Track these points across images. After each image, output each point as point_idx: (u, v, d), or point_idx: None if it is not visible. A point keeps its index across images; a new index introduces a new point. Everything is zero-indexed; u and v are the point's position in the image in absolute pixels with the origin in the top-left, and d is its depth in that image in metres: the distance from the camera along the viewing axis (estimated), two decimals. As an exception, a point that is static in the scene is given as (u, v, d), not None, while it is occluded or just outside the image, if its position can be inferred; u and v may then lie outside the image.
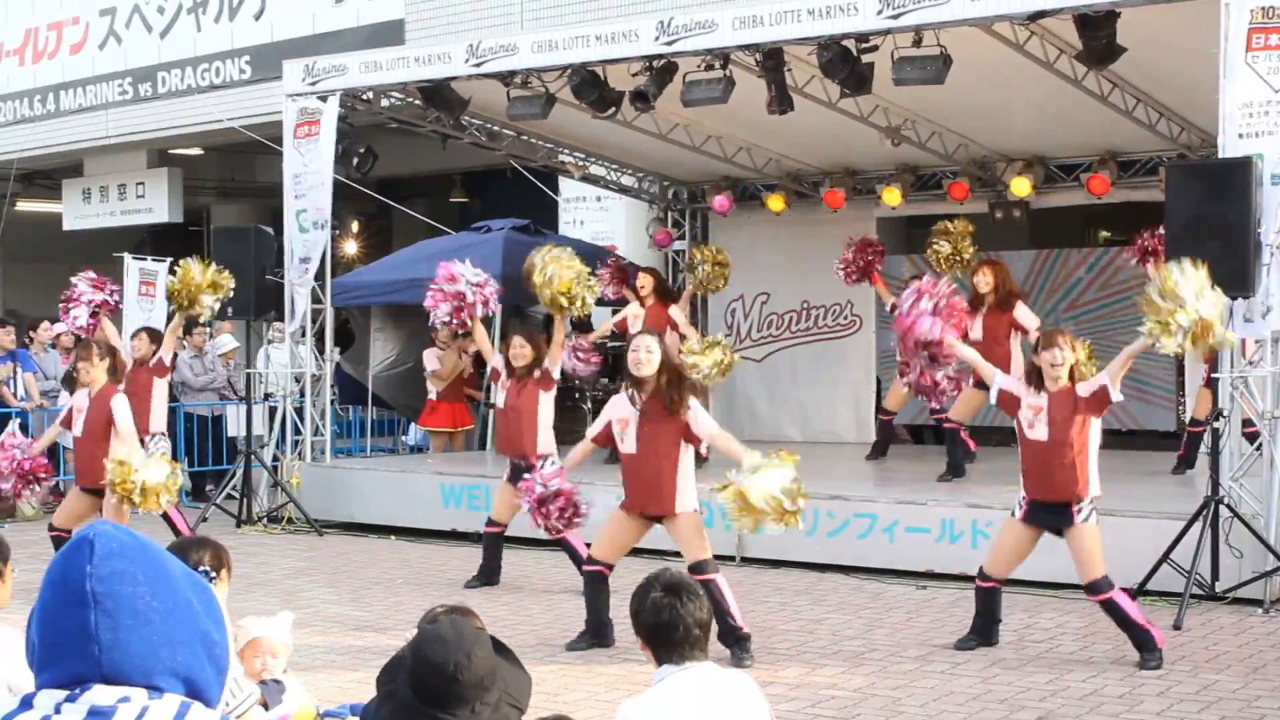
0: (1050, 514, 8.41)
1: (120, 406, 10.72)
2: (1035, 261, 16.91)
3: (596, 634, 8.90)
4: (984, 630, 8.82)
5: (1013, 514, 8.62)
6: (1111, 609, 8.36)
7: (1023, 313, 12.69)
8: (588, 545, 9.45)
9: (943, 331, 8.43)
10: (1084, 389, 8.29)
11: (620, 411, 8.71)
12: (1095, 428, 8.39)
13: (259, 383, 15.39)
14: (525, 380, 10.66)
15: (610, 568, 8.92)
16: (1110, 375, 8.24)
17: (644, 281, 14.74)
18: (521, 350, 10.71)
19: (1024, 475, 8.54)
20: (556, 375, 10.76)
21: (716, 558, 8.76)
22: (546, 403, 10.69)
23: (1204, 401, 12.42)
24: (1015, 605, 9.81)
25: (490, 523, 11.18)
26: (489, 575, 11.14)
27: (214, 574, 5.08)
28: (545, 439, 10.68)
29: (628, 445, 8.68)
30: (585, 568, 9.10)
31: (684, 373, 8.82)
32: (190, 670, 2.00)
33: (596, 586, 8.89)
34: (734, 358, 13.50)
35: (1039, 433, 8.36)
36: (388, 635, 9.09)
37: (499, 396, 11.01)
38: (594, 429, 9.13)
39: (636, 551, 10.91)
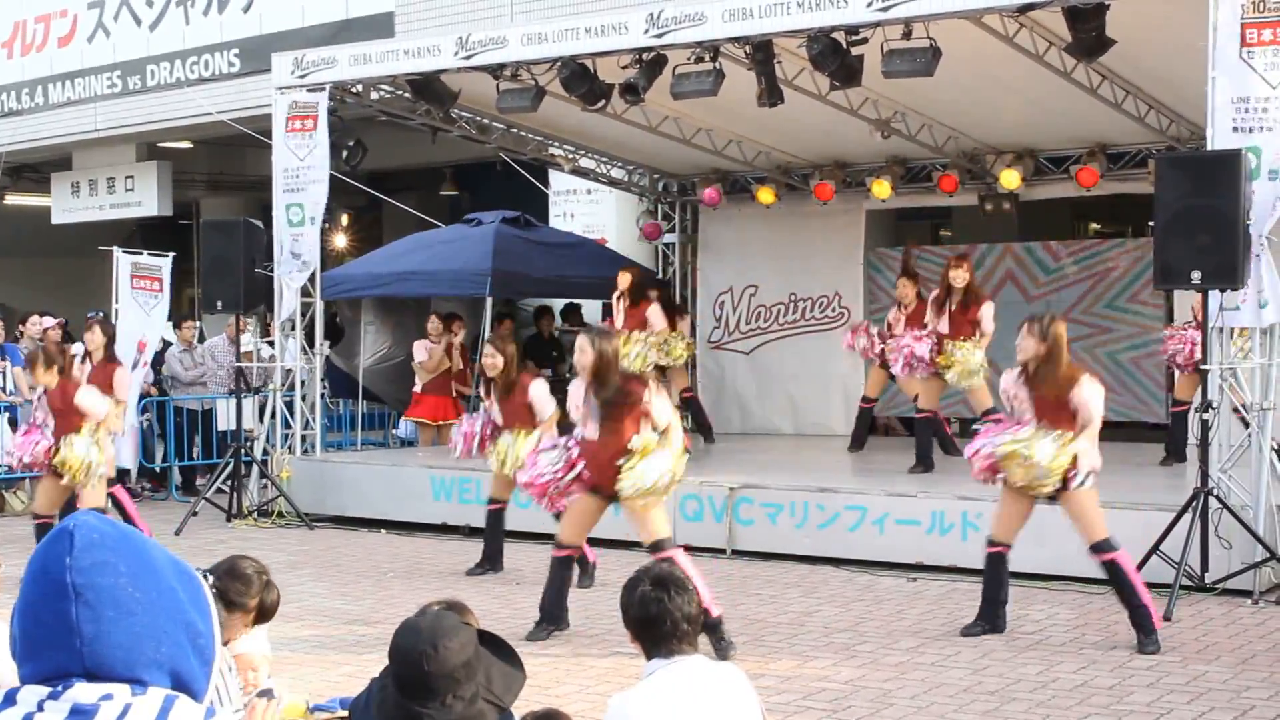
0: None
1: (86, 398, 11.24)
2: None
3: (552, 617, 9.01)
4: (990, 615, 8.88)
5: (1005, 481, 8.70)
6: (1113, 572, 8.51)
7: (987, 314, 12.83)
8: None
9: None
10: (1077, 399, 8.44)
11: (578, 398, 8.82)
12: (1086, 413, 8.48)
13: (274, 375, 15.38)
14: (510, 399, 10.70)
15: (579, 550, 9.13)
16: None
17: (622, 279, 14.77)
18: (491, 360, 10.72)
19: None
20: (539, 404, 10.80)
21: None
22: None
23: (1186, 384, 12.79)
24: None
25: (491, 500, 11.26)
26: (493, 560, 11.21)
27: None
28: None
29: (590, 430, 8.74)
30: (555, 553, 9.14)
31: (615, 370, 8.79)
32: (175, 662, 1.99)
33: (564, 570, 9.06)
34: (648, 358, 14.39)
35: (1027, 418, 8.59)
36: (377, 628, 9.08)
37: (493, 413, 10.95)
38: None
39: (632, 545, 10.96)
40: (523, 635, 8.75)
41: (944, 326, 12.81)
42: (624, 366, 8.92)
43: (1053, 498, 8.61)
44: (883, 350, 13.85)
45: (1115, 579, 8.57)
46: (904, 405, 16.13)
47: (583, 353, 8.60)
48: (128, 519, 11.98)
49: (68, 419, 11.20)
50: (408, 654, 3.51)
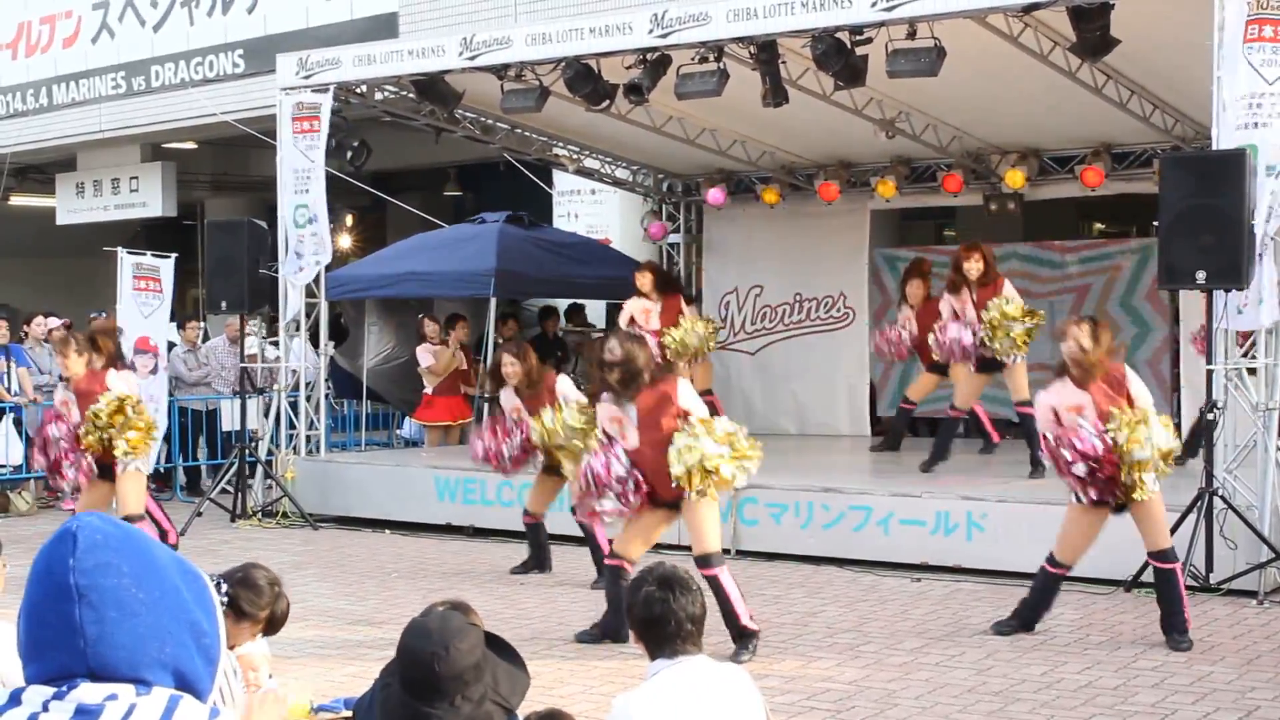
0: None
1: (117, 383, 10.91)
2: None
3: (611, 630, 8.72)
4: (1028, 617, 8.88)
5: (1077, 499, 8.53)
6: (1168, 582, 8.54)
7: (1010, 290, 12.71)
8: (610, 541, 9.61)
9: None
10: (1131, 379, 8.46)
11: (609, 411, 8.56)
12: (1143, 399, 8.52)
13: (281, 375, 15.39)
14: (537, 397, 10.58)
15: (632, 563, 8.70)
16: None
17: (645, 281, 14.75)
18: (512, 368, 10.61)
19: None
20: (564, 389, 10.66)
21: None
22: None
23: None
24: (1011, 598, 9.80)
25: (526, 513, 11.15)
26: (540, 562, 11.19)
27: None
28: None
29: (629, 440, 8.49)
30: (607, 561, 9.04)
31: (648, 361, 8.65)
32: (179, 661, 1.99)
33: (616, 582, 8.65)
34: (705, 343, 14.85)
35: (1091, 421, 8.39)
36: (382, 629, 9.09)
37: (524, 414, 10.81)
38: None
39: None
40: (519, 640, 8.72)
41: (969, 314, 12.60)
42: (653, 366, 8.71)
43: (1122, 507, 8.51)
44: (911, 348, 13.64)
45: (1166, 588, 8.57)
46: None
47: (613, 354, 8.39)
48: (154, 519, 11.90)
49: (94, 400, 10.83)
50: (418, 655, 3.51)
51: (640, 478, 8.45)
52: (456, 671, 3.49)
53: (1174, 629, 8.50)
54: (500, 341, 14.79)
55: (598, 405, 8.77)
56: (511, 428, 10.70)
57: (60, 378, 11.29)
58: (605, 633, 8.84)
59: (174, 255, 15.70)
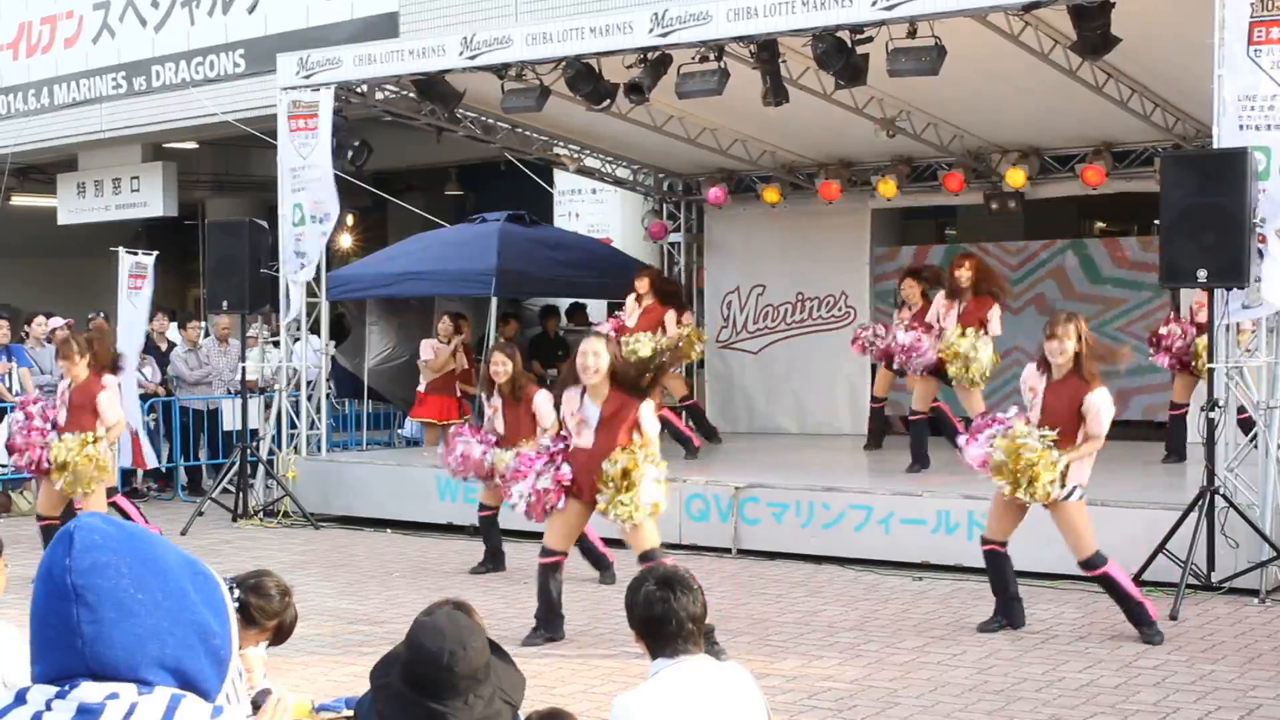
0: None
1: (107, 402, 11.03)
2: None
3: (548, 625, 8.90)
4: (1006, 609, 9.00)
5: None
6: (1106, 584, 8.72)
7: (994, 316, 12.77)
8: (604, 540, 9.76)
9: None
10: (1090, 406, 8.45)
11: (571, 407, 8.67)
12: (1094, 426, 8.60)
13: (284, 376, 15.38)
14: (519, 406, 10.65)
15: (565, 556, 8.99)
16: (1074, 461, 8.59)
17: (641, 284, 14.68)
18: (503, 367, 10.64)
19: None
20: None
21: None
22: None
23: (1180, 385, 12.89)
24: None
25: (482, 506, 11.42)
26: (495, 559, 11.33)
27: None
28: None
29: (584, 439, 8.61)
30: (540, 560, 8.97)
31: (636, 371, 8.70)
32: (181, 662, 1.99)
33: (550, 578, 8.88)
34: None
35: (1034, 415, 8.67)
36: (383, 628, 9.10)
37: (496, 422, 10.91)
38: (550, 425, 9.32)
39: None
40: (519, 639, 8.74)
41: (951, 322, 12.78)
42: (635, 369, 8.75)
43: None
44: (886, 348, 13.81)
45: (1109, 590, 8.76)
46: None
47: (597, 356, 8.41)
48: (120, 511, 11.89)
49: (81, 416, 10.97)
50: (433, 655, 3.51)
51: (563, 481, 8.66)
52: (472, 670, 3.51)
53: (1139, 622, 8.63)
54: (501, 340, 14.80)
55: (563, 394, 8.82)
56: (486, 432, 10.91)
57: (62, 376, 11.34)
58: (544, 629, 8.90)
59: (155, 253, 15.68)
